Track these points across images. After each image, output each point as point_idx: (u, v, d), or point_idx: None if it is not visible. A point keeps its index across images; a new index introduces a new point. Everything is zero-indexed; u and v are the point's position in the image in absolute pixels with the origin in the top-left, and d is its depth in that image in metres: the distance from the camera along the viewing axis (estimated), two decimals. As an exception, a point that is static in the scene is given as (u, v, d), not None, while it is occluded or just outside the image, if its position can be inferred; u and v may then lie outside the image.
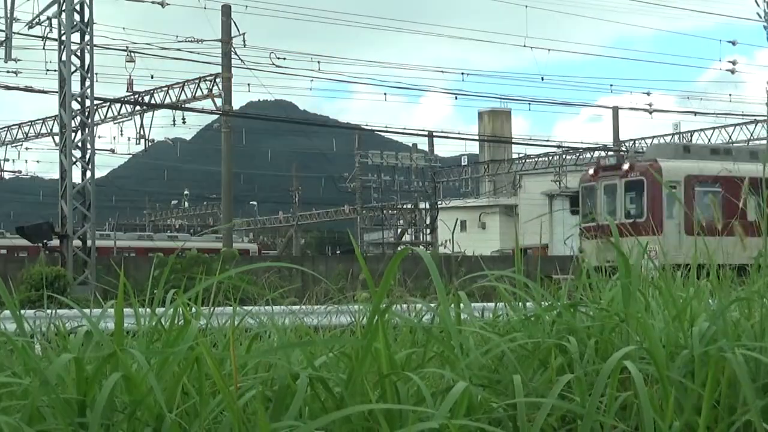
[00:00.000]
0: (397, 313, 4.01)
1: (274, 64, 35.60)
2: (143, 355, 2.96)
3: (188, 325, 3.18)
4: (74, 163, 24.23)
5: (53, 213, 26.50)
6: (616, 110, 48.59)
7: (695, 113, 48.14)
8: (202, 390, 2.94)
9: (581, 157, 51.85)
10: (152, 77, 40.47)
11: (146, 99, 38.60)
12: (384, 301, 3.16)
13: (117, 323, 3.11)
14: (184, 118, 38.72)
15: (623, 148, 45.78)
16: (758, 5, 25.79)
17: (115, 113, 38.71)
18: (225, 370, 3.08)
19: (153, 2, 34.25)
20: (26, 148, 56.91)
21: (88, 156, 24.37)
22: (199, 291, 3.67)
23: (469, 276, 4.71)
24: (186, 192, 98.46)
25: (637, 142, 49.58)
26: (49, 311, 4.25)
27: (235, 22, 36.02)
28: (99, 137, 38.12)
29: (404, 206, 63.96)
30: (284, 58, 36.82)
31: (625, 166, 31.70)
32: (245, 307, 4.37)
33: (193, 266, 20.60)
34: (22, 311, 3.46)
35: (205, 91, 36.62)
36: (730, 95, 50.83)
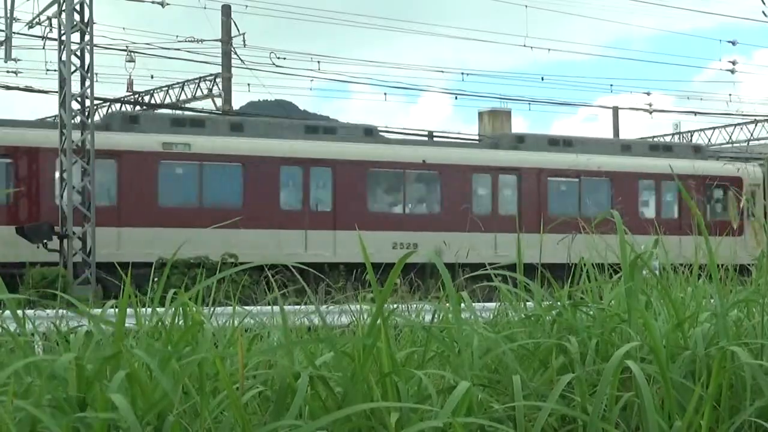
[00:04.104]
0: (398, 313, 4.00)
1: (274, 64, 35.61)
2: (150, 355, 2.96)
3: (193, 327, 3.19)
4: (74, 162, 24.21)
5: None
6: (616, 110, 48.51)
7: (695, 113, 48.10)
8: (204, 390, 2.94)
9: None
10: (152, 77, 40.47)
11: (146, 99, 38.57)
12: (387, 301, 3.16)
13: (118, 323, 3.11)
14: (183, 119, 38.65)
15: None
16: (765, 3, 25.71)
17: (115, 113, 38.66)
18: (227, 369, 3.08)
19: (153, 2, 34.23)
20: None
21: (88, 156, 24.35)
22: (200, 290, 3.67)
23: (472, 275, 4.71)
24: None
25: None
26: (48, 311, 4.25)
27: (235, 22, 35.98)
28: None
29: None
30: (284, 58, 36.81)
31: None
32: (246, 307, 4.37)
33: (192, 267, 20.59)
34: (21, 311, 3.45)
35: (205, 91, 36.59)
36: (729, 95, 51.04)
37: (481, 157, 30.07)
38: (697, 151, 33.80)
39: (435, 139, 33.69)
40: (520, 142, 31.09)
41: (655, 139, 46.16)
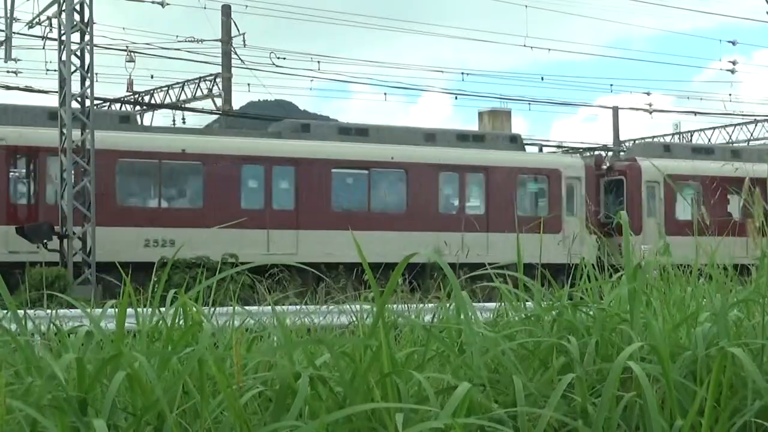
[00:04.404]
0: (399, 312, 4.01)
1: (274, 64, 35.61)
2: (149, 357, 2.96)
3: (193, 327, 3.18)
4: (74, 162, 24.21)
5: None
6: (616, 110, 48.51)
7: (695, 113, 48.06)
8: (204, 390, 2.94)
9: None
10: (152, 77, 40.45)
11: (146, 99, 38.56)
12: (388, 301, 3.16)
13: (118, 323, 3.11)
14: (184, 118, 38.64)
15: (623, 148, 45.68)
16: (767, 3, 25.77)
17: (115, 113, 38.65)
18: (227, 369, 3.07)
19: (153, 2, 34.23)
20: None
21: (88, 156, 24.35)
22: (201, 291, 3.67)
23: (473, 275, 4.71)
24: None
25: (637, 142, 49.56)
26: (48, 311, 4.25)
27: (235, 22, 35.99)
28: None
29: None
30: (284, 58, 36.78)
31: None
32: (246, 308, 4.38)
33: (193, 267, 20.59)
34: (21, 311, 3.45)
35: (205, 91, 36.59)
36: (730, 95, 50.99)
37: (253, 147, 27.39)
38: (513, 141, 31.55)
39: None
40: (305, 130, 28.66)
41: (659, 140, 46.04)
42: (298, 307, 5.53)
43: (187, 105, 37.00)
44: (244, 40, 35.76)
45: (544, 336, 3.60)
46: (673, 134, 48.76)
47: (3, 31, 29.24)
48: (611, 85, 62.95)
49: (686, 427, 3.07)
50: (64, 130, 24.10)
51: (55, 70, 26.52)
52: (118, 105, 34.89)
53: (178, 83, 38.00)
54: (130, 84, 36.95)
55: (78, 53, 24.73)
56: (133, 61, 35.94)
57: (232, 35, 35.93)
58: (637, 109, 47.25)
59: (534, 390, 3.28)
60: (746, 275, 4.52)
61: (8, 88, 34.08)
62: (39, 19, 28.32)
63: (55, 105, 25.24)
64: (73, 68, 24.61)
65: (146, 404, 2.87)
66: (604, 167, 32.27)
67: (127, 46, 35.73)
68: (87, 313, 3.39)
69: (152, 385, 2.88)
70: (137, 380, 2.89)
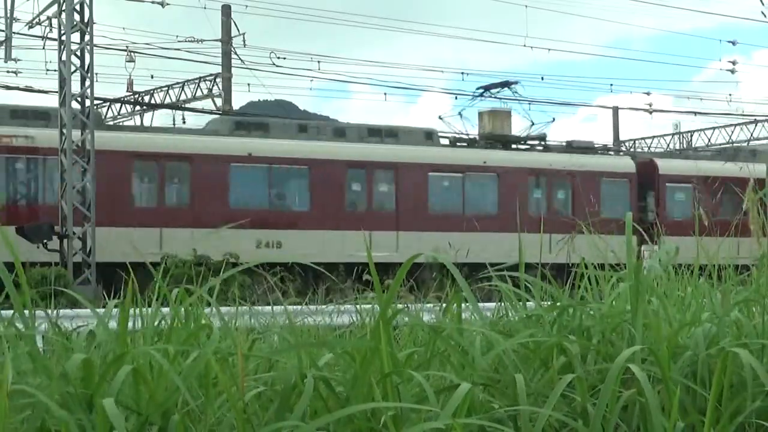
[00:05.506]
0: (404, 311, 4.01)
1: (274, 64, 35.60)
2: (158, 354, 2.97)
3: (201, 328, 3.20)
4: (74, 162, 24.21)
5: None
6: (616, 110, 48.51)
7: (695, 113, 48.01)
8: (208, 390, 2.95)
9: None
10: (152, 77, 40.47)
11: (146, 99, 38.55)
12: (391, 303, 3.17)
13: (121, 323, 3.12)
14: (183, 118, 38.63)
15: (622, 148, 45.60)
16: (763, 4, 25.78)
17: (115, 113, 38.67)
18: (229, 369, 3.09)
19: (153, 2, 34.22)
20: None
21: (88, 156, 24.36)
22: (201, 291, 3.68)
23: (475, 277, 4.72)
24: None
25: (637, 141, 49.55)
26: (49, 311, 4.26)
27: (235, 22, 35.99)
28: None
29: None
30: (284, 58, 36.77)
31: None
32: (253, 307, 4.38)
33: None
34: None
35: (205, 91, 36.58)
36: (730, 95, 50.91)
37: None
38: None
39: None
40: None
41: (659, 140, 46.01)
42: (298, 306, 5.54)
43: (187, 105, 36.99)
44: (244, 40, 35.78)
45: (545, 336, 3.61)
46: (673, 134, 48.75)
47: (3, 31, 29.24)
48: (611, 85, 62.73)
49: (686, 427, 3.08)
50: (64, 130, 24.10)
51: (55, 70, 26.54)
52: (119, 105, 34.89)
53: (178, 83, 38.00)
54: (130, 84, 36.97)
55: (78, 53, 24.73)
56: (133, 61, 35.96)
57: (232, 35, 35.94)
58: (637, 109, 47.29)
59: (534, 389, 3.28)
60: None
61: (8, 88, 34.09)
62: (39, 19, 28.33)
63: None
64: (73, 68, 24.62)
65: (152, 405, 2.88)
66: None
67: (127, 46, 35.75)
68: (95, 312, 3.40)
69: (158, 379, 2.89)
70: (142, 378, 2.90)
